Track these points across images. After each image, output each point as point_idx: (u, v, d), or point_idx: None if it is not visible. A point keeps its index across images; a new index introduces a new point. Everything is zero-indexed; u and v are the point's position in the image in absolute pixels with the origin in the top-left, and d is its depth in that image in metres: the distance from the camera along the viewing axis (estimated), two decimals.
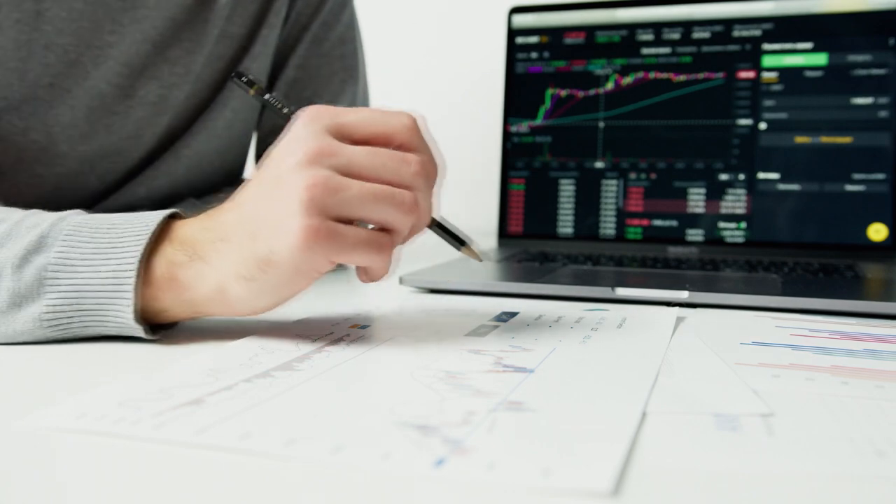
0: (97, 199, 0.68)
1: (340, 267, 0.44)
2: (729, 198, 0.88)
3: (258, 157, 0.81)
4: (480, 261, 0.51)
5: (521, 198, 0.95)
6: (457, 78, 1.32)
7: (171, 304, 0.43)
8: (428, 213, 0.44)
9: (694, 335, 0.47)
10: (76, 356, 0.41)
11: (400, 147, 0.43)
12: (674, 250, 0.88)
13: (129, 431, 0.29)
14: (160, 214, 0.44)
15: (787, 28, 0.87)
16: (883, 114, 0.84)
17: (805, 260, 0.79)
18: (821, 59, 0.86)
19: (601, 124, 0.93)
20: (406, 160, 0.42)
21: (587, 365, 0.40)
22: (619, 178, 0.91)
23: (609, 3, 0.94)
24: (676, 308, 0.55)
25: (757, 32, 0.88)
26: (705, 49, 0.90)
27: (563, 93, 0.94)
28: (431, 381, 0.36)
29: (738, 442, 0.29)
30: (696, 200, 0.89)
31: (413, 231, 0.45)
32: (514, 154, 0.96)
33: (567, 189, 0.93)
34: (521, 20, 0.97)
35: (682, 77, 0.90)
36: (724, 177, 0.88)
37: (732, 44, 0.89)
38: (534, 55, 0.96)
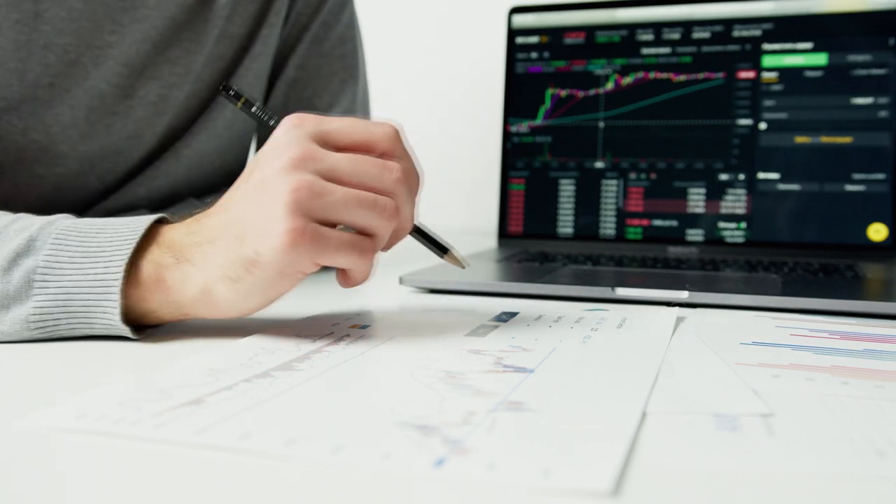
0: (97, 199, 0.68)
1: (325, 269, 0.44)
2: (729, 198, 0.88)
3: None
4: (464, 267, 0.52)
5: (521, 198, 0.95)
6: (457, 78, 1.32)
7: (158, 305, 0.43)
8: (410, 219, 0.46)
9: (694, 335, 0.47)
10: (76, 356, 0.41)
11: (382, 155, 0.45)
12: (674, 250, 0.88)
13: (129, 431, 0.29)
14: (148, 219, 0.45)
15: (787, 28, 0.87)
16: (883, 114, 0.84)
17: (805, 260, 0.79)
18: (821, 59, 0.86)
19: (601, 124, 0.93)
20: (388, 167, 0.43)
21: (587, 365, 0.40)
22: (619, 178, 0.92)
23: (609, 3, 0.94)
24: (676, 308, 0.55)
25: (757, 32, 0.88)
26: (705, 49, 0.90)
27: (563, 93, 0.94)
28: (431, 381, 0.36)
29: (738, 442, 0.29)
30: (696, 200, 0.89)
31: (395, 237, 0.46)
32: (514, 154, 0.96)
33: (567, 189, 0.93)
34: (521, 20, 0.97)
35: (682, 77, 0.90)
36: (724, 177, 0.88)
37: (732, 44, 0.89)
38: (534, 55, 0.96)
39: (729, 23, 0.89)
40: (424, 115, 1.33)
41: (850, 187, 0.84)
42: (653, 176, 0.90)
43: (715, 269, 0.72)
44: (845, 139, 0.85)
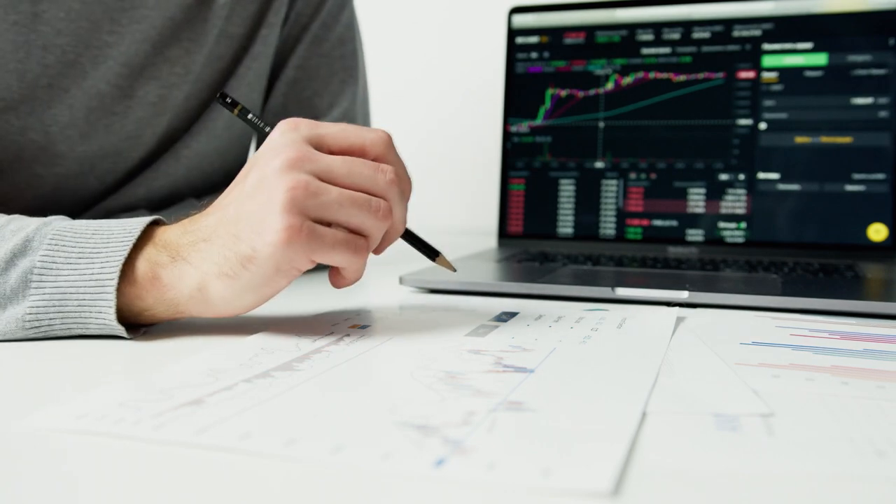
0: (96, 200, 0.68)
1: (320, 267, 0.45)
2: (729, 198, 0.88)
3: None
4: (454, 271, 0.54)
5: (521, 198, 0.95)
6: (457, 78, 1.32)
7: (153, 303, 0.44)
8: (402, 222, 0.47)
9: (694, 335, 0.47)
10: (76, 356, 0.41)
11: (374, 160, 0.46)
12: (674, 250, 0.88)
13: (129, 432, 0.29)
14: (143, 220, 0.45)
15: (787, 28, 0.87)
16: (883, 114, 0.84)
17: (805, 260, 0.79)
18: (821, 59, 0.86)
19: (601, 124, 0.93)
20: (381, 169, 0.45)
21: (587, 365, 0.40)
22: (619, 178, 0.91)
23: (609, 3, 0.94)
24: (676, 308, 0.55)
25: (757, 32, 0.88)
26: (705, 49, 0.90)
27: (563, 93, 0.94)
28: (431, 381, 0.36)
29: (738, 442, 0.29)
30: (696, 200, 0.89)
31: (387, 239, 0.47)
32: (514, 154, 0.96)
33: (567, 189, 0.93)
34: (521, 20, 0.97)
35: (682, 77, 0.90)
36: (724, 177, 0.88)
37: (732, 44, 0.89)
38: (534, 55, 0.96)
39: (729, 23, 0.89)
40: (424, 115, 1.33)
41: (850, 187, 0.84)
42: (653, 176, 0.90)
43: (715, 269, 0.72)
44: (845, 139, 0.85)
